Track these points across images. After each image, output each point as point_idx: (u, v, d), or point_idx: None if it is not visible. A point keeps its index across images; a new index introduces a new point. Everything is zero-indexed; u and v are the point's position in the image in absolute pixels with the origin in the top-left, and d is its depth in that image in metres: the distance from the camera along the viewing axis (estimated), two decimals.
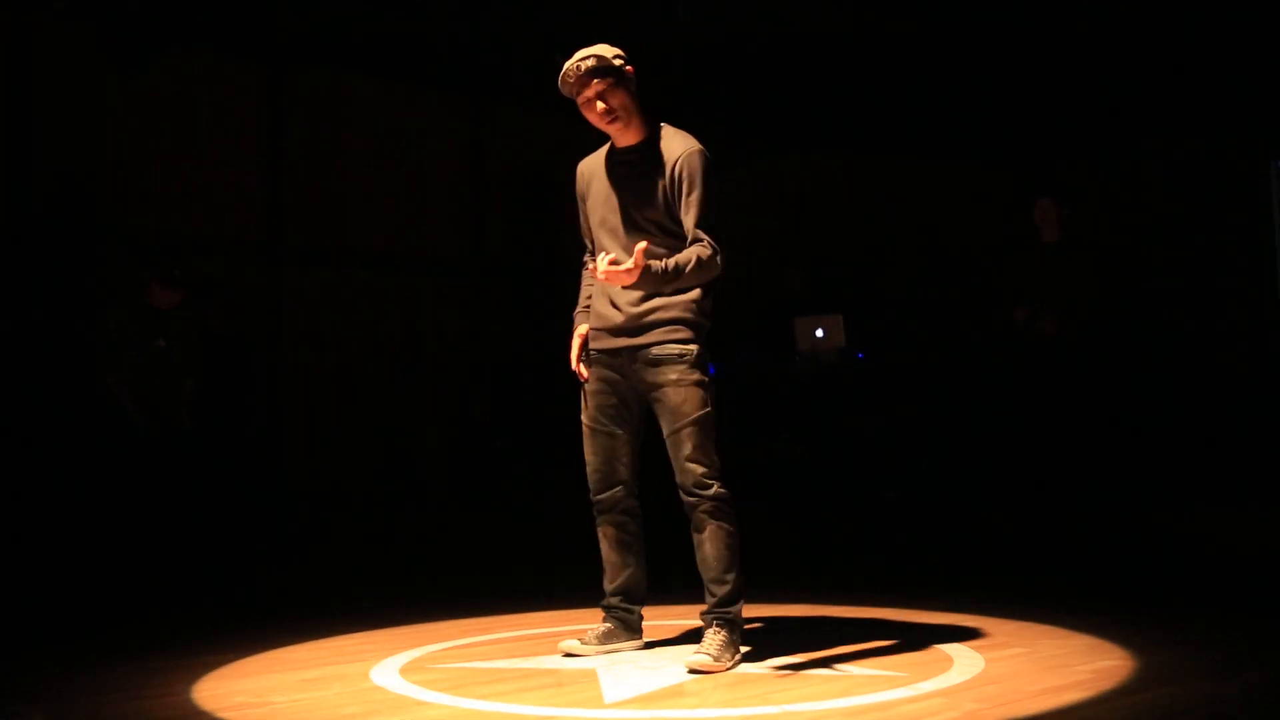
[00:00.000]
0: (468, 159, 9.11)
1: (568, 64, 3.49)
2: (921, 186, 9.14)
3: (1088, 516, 6.47)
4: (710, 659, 3.39)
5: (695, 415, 3.51)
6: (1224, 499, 7.00)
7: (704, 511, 3.52)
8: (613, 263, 3.28)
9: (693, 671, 3.36)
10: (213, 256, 7.79)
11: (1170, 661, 3.44)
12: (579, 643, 3.70)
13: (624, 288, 3.37)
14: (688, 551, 3.62)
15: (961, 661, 3.46)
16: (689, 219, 3.48)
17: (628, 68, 3.54)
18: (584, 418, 3.71)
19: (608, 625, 3.76)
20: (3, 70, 7.17)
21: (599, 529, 3.77)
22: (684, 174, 3.50)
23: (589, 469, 3.71)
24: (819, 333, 7.74)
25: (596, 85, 3.48)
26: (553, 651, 3.74)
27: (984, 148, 9.09)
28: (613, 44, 3.61)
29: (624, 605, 3.78)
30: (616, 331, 3.59)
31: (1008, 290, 6.65)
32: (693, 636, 3.91)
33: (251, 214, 8.14)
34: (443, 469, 8.38)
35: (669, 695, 3.13)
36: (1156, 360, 8.17)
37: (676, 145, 3.56)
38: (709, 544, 3.53)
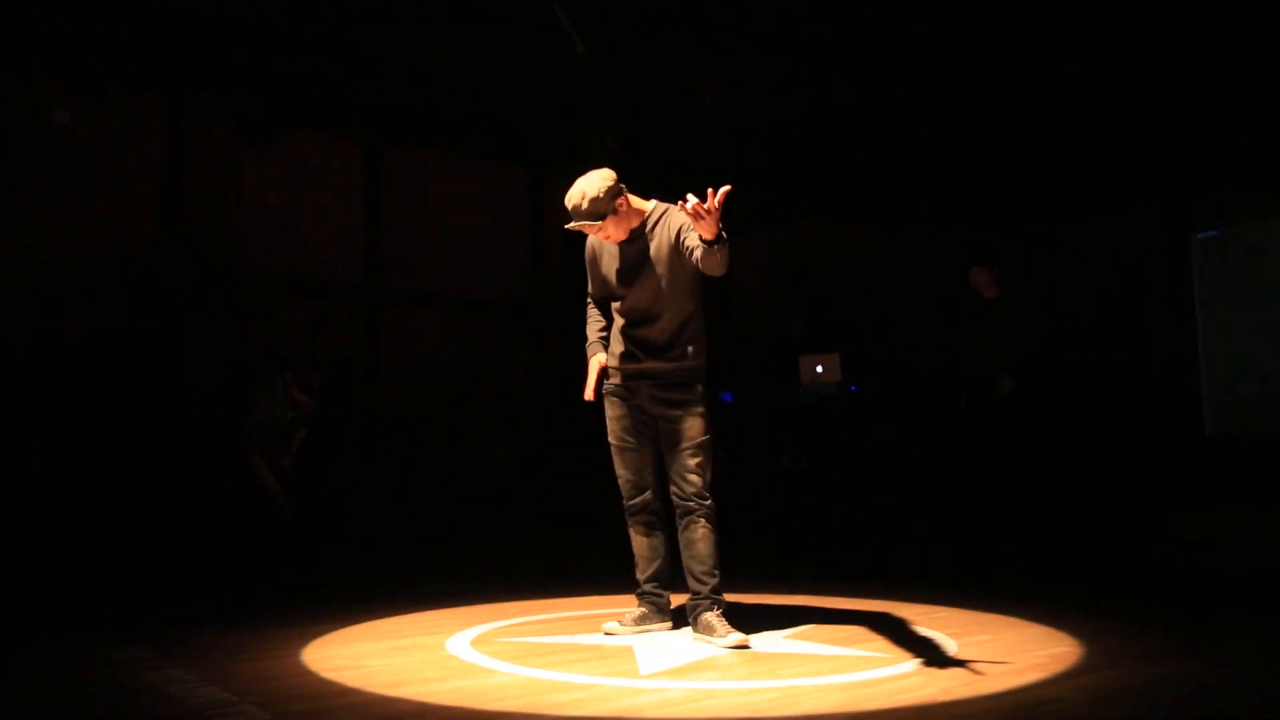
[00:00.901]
0: (530, 220, 9.18)
1: (568, 202, 3.48)
2: (900, 248, 9.14)
3: (1044, 526, 6.43)
4: (741, 635, 3.43)
5: (700, 439, 3.58)
6: (1156, 515, 6.92)
7: (700, 515, 3.57)
8: (701, 208, 3.17)
9: (736, 648, 3.37)
10: (321, 297, 7.88)
11: (1112, 648, 3.40)
12: (618, 624, 3.70)
13: (704, 240, 3.27)
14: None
15: (937, 646, 3.43)
16: (693, 238, 3.44)
17: (617, 200, 3.51)
18: (611, 439, 3.73)
19: (642, 609, 3.76)
20: (161, 145, 7.32)
21: (630, 529, 3.79)
22: (680, 218, 3.53)
23: (621, 480, 3.74)
24: (819, 369, 7.74)
25: (599, 224, 3.52)
26: (595, 630, 3.74)
27: (947, 216, 9.10)
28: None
29: (655, 591, 3.78)
30: (639, 373, 3.64)
31: (967, 339, 6.68)
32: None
33: (354, 262, 8.23)
34: (504, 477, 8.39)
35: (696, 668, 3.13)
36: (1095, 399, 8.11)
37: (666, 211, 3.61)
38: (702, 543, 3.56)
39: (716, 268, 3.36)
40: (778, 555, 6.34)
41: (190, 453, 6.89)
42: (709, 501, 3.57)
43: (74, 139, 6.84)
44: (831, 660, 3.23)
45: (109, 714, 2.65)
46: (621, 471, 3.73)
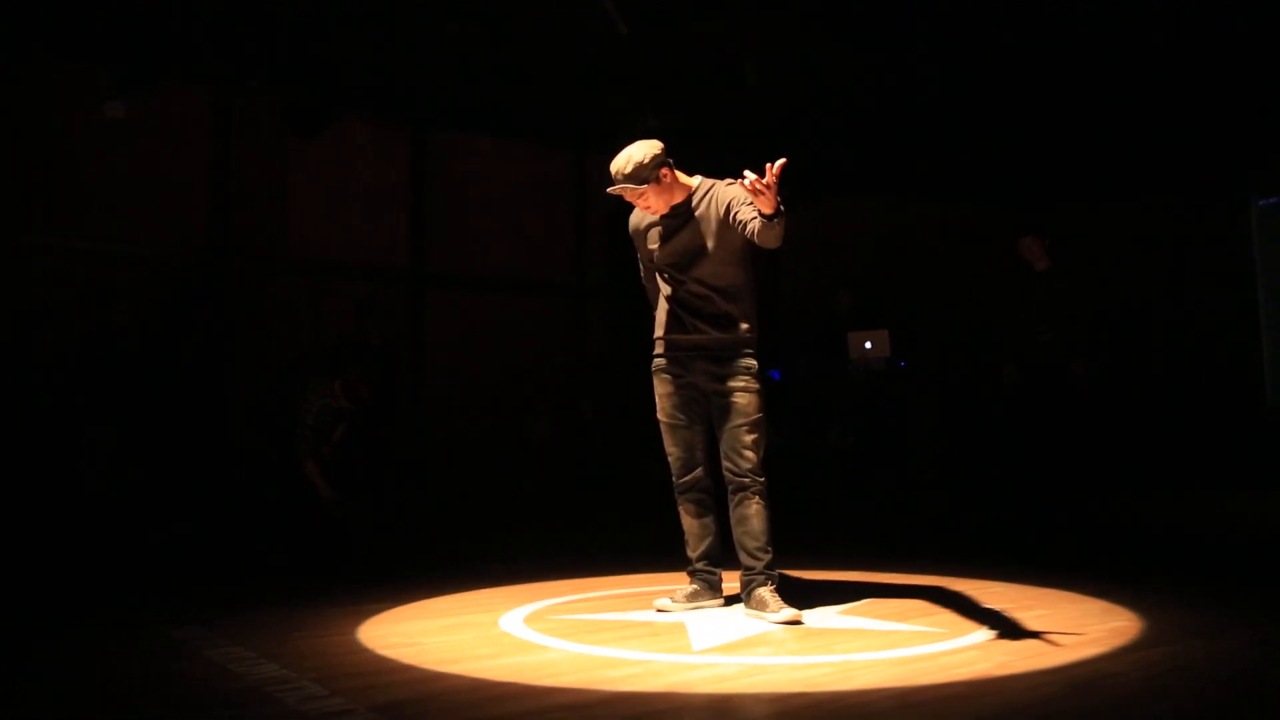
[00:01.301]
0: (574, 202, 9.17)
1: (611, 182, 3.53)
2: (947, 224, 9.01)
3: (1100, 504, 6.33)
4: (795, 611, 3.41)
5: (755, 416, 3.56)
6: (1215, 491, 6.78)
7: (754, 492, 3.55)
8: (757, 180, 3.16)
9: (788, 623, 3.35)
10: (368, 281, 7.94)
11: (1173, 622, 3.34)
12: (670, 600, 3.70)
13: (763, 215, 3.25)
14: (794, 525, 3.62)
15: (994, 621, 3.39)
16: (747, 211, 3.41)
17: (661, 169, 3.53)
18: (661, 416, 3.72)
19: (694, 586, 3.75)
20: (210, 135, 7.40)
21: (681, 507, 3.77)
22: (728, 193, 3.53)
23: (671, 459, 3.73)
24: (868, 345, 7.66)
25: (644, 190, 3.54)
26: (647, 607, 3.73)
27: (994, 192, 8.94)
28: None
29: (707, 569, 3.77)
30: (690, 345, 3.63)
31: (1019, 315, 6.57)
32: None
33: (400, 247, 8.28)
34: (554, 457, 8.42)
35: (749, 644, 3.11)
36: (1153, 374, 7.95)
37: (711, 185, 3.62)
38: (755, 519, 3.54)
39: (774, 240, 3.34)
40: (828, 532, 6.30)
41: (242, 441, 7.00)
42: (763, 478, 3.56)
43: (126, 131, 6.93)
44: (885, 635, 3.20)
45: (174, 690, 2.69)
46: (672, 449, 3.72)
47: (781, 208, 3.24)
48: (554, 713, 2.39)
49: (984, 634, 3.18)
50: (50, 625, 3.63)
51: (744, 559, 3.57)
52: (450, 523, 7.24)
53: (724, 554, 3.77)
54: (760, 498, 3.55)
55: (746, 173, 3.19)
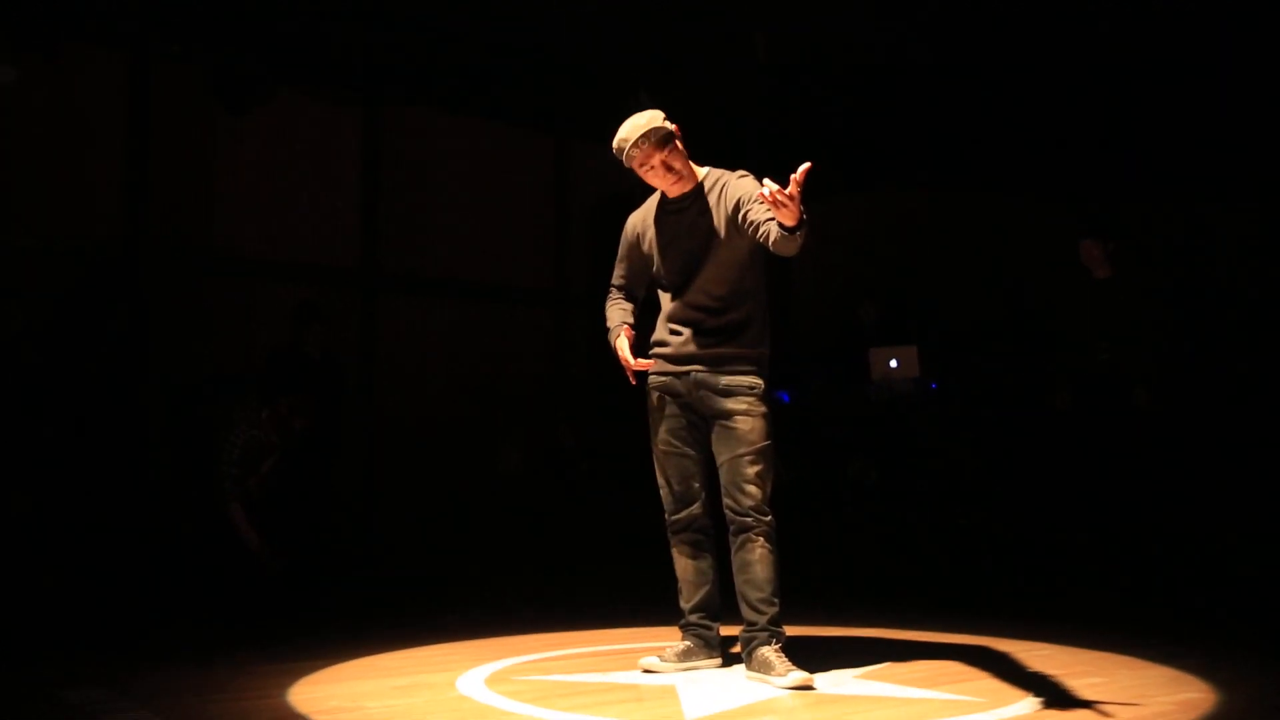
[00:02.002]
0: (552, 193, 9.17)
1: (625, 136, 3.57)
2: (991, 222, 9.02)
3: (1160, 547, 6.32)
4: (804, 674, 3.37)
5: (760, 444, 3.56)
6: None
7: (759, 533, 3.54)
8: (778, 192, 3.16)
9: (797, 689, 3.33)
10: (309, 283, 7.90)
11: (1253, 696, 3.32)
12: (659, 659, 3.68)
13: (784, 228, 3.25)
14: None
15: (1039, 689, 3.37)
16: (759, 213, 3.42)
17: (676, 140, 3.61)
18: (656, 443, 3.72)
19: (687, 643, 3.73)
20: (124, 109, 7.37)
21: (674, 549, 3.75)
22: (737, 189, 3.58)
23: (664, 491, 3.73)
24: (893, 363, 7.66)
25: (660, 154, 3.57)
26: (632, 667, 3.72)
27: (1049, 185, 8.95)
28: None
29: (702, 622, 3.75)
30: (688, 359, 3.63)
31: (1075, 330, 6.59)
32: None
33: (349, 244, 8.25)
34: (526, 492, 8.38)
35: (750, 714, 3.09)
36: (1229, 400, 7.94)
37: (721, 177, 3.67)
38: (760, 565, 3.54)
39: (792, 250, 3.36)
40: (846, 581, 6.27)
41: (159, 467, 6.94)
42: (769, 518, 3.55)
43: (21, 102, 6.89)
44: (912, 705, 3.18)
45: None
46: (664, 480, 3.73)
47: (805, 217, 3.24)
48: None
49: (1029, 705, 3.15)
50: None
51: (745, 612, 3.55)
52: (402, 568, 7.20)
53: (724, 606, 3.75)
54: (766, 541, 3.54)
55: (767, 182, 3.19)
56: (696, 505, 3.70)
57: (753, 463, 3.54)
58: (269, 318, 7.56)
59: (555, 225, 9.13)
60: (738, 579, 3.56)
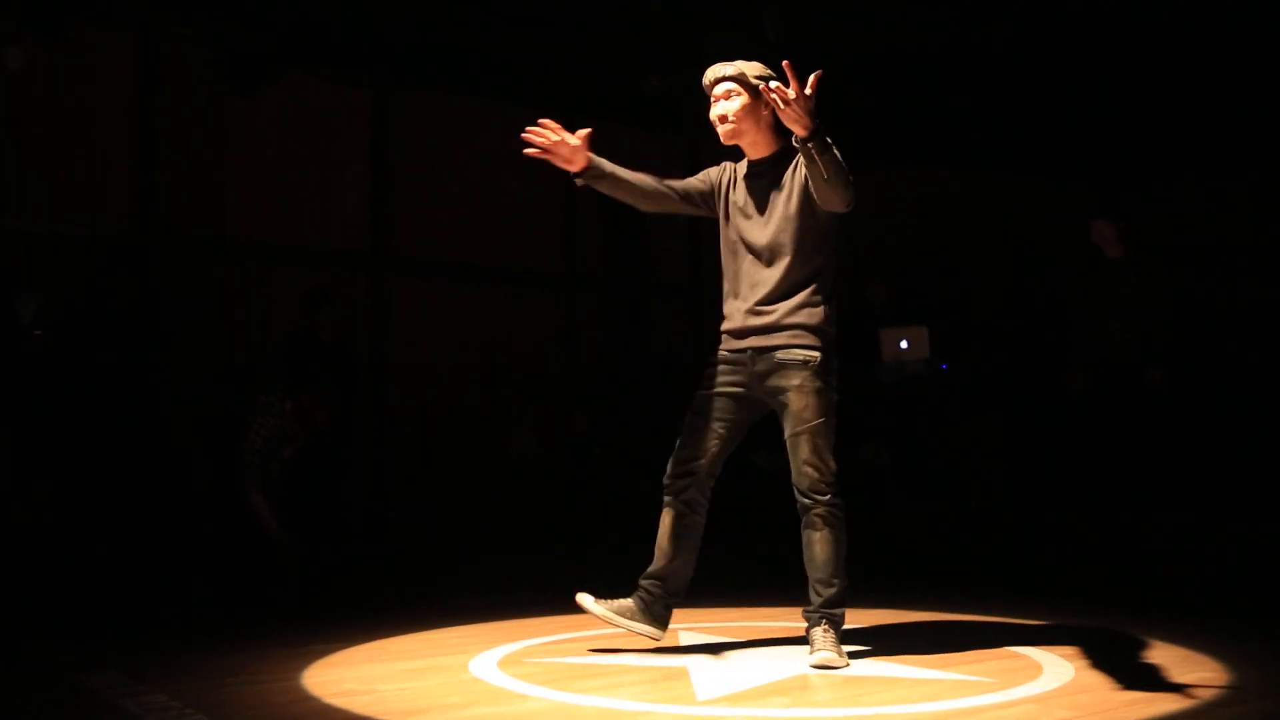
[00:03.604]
0: (563, 175, 9.11)
1: (713, 67, 3.61)
2: (1002, 202, 8.98)
3: (1179, 535, 6.32)
4: (834, 655, 3.39)
5: (814, 422, 3.51)
6: None
7: (817, 515, 3.51)
8: (790, 94, 3.19)
9: (819, 668, 3.36)
10: (321, 267, 7.91)
11: (1269, 676, 3.32)
12: (592, 599, 3.67)
13: (797, 140, 3.28)
14: (787, 556, 3.60)
15: (1051, 669, 3.38)
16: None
17: (763, 87, 3.39)
18: (691, 407, 3.67)
19: (629, 601, 3.69)
20: (134, 92, 7.36)
21: (663, 510, 3.69)
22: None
23: (677, 446, 3.67)
24: (903, 344, 7.65)
25: (729, 94, 3.59)
26: (642, 649, 3.72)
27: (1062, 164, 8.90)
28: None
29: (653, 589, 3.69)
30: (744, 333, 3.61)
31: (1088, 310, 6.58)
32: (779, 639, 3.88)
33: (359, 227, 8.25)
34: (538, 475, 8.39)
35: (763, 693, 3.09)
36: (1243, 381, 7.90)
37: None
38: (819, 546, 3.51)
39: (833, 194, 3.34)
40: (857, 563, 6.27)
41: (174, 454, 6.96)
42: (828, 497, 3.50)
43: (31, 85, 6.89)
44: (923, 685, 3.19)
45: None
46: (681, 439, 3.67)
47: (824, 135, 3.23)
48: None
49: (1041, 685, 3.15)
50: None
51: (809, 592, 3.56)
52: (415, 551, 7.22)
53: (740, 593, 3.76)
54: (826, 521, 3.49)
55: (772, 84, 3.21)
56: (692, 479, 3.62)
57: (808, 440, 3.49)
58: (280, 301, 7.58)
59: (566, 207, 9.11)
60: (805, 557, 3.56)
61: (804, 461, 3.50)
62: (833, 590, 3.51)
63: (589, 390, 8.71)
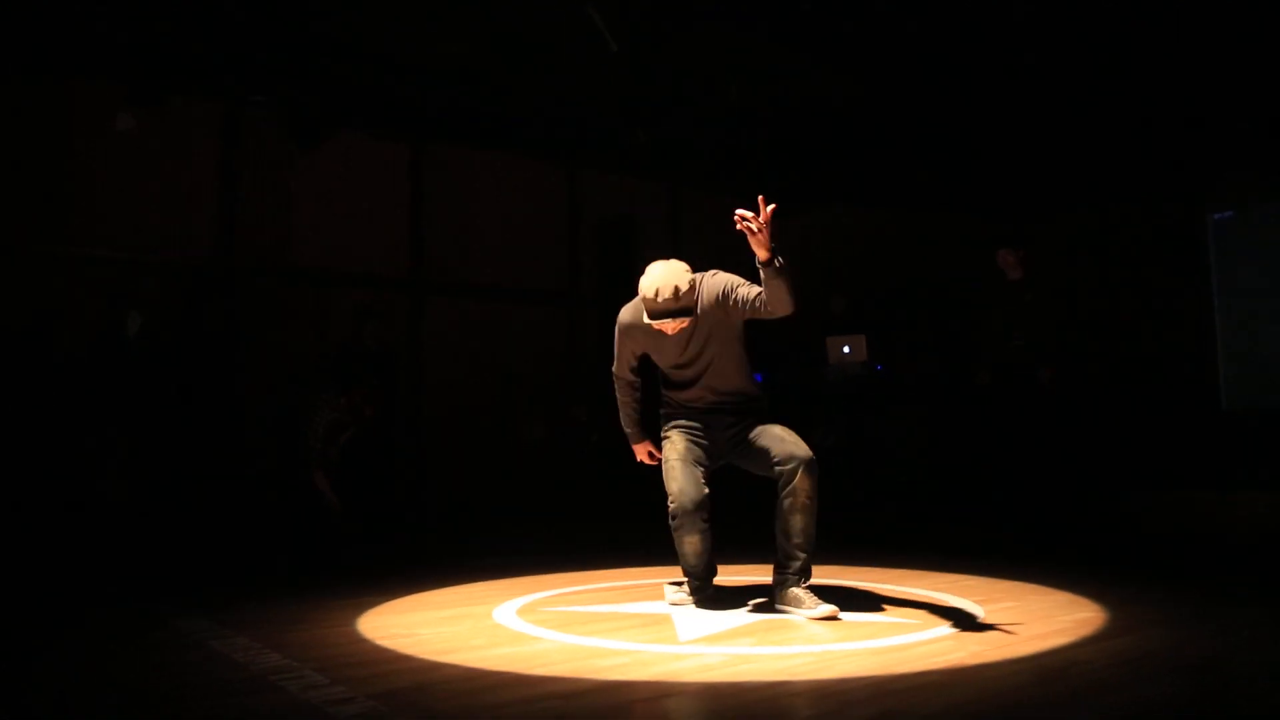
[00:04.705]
0: (567, 213, 9.15)
1: (658, 296, 3.29)
2: (926, 235, 9.02)
3: (1066, 502, 6.36)
4: (830, 607, 3.33)
5: (783, 426, 3.55)
6: (1175, 491, 6.82)
7: (808, 473, 3.38)
8: (751, 218, 3.07)
9: (825, 619, 3.28)
10: (367, 288, 7.91)
11: (1136, 614, 3.35)
12: (684, 594, 3.63)
13: (760, 263, 3.17)
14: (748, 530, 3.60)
15: (966, 612, 3.40)
16: (748, 289, 3.34)
17: (736, 215, 3.19)
18: (674, 455, 3.55)
19: (697, 582, 3.64)
20: (218, 147, 7.37)
21: (684, 536, 3.48)
22: (714, 287, 3.42)
23: (678, 491, 3.46)
24: (846, 349, 7.66)
25: (672, 324, 3.35)
26: (637, 599, 3.73)
27: (970, 202, 8.94)
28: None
29: (706, 574, 3.63)
30: (711, 407, 3.59)
31: (994, 321, 6.61)
32: (741, 590, 3.89)
33: (400, 255, 8.25)
34: (548, 457, 8.39)
35: (733, 635, 3.11)
36: (1115, 379, 7.97)
37: (703, 284, 3.43)
38: (797, 515, 3.40)
39: (783, 301, 3.21)
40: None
41: (250, 444, 6.95)
42: (811, 456, 3.41)
43: (137, 143, 6.89)
44: (864, 627, 3.21)
45: (180, 679, 2.67)
46: (679, 483, 3.47)
47: (779, 258, 3.13)
48: (546, 701, 2.39)
49: (957, 625, 3.18)
50: (62, 619, 3.60)
51: (780, 555, 3.46)
52: (447, 519, 7.22)
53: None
54: (814, 487, 3.39)
55: (740, 212, 3.10)
56: (702, 507, 3.47)
57: (782, 430, 3.49)
58: (335, 317, 7.58)
59: (568, 239, 9.12)
60: (777, 526, 3.45)
61: (784, 436, 3.47)
62: (807, 555, 3.44)
63: (587, 389, 8.72)
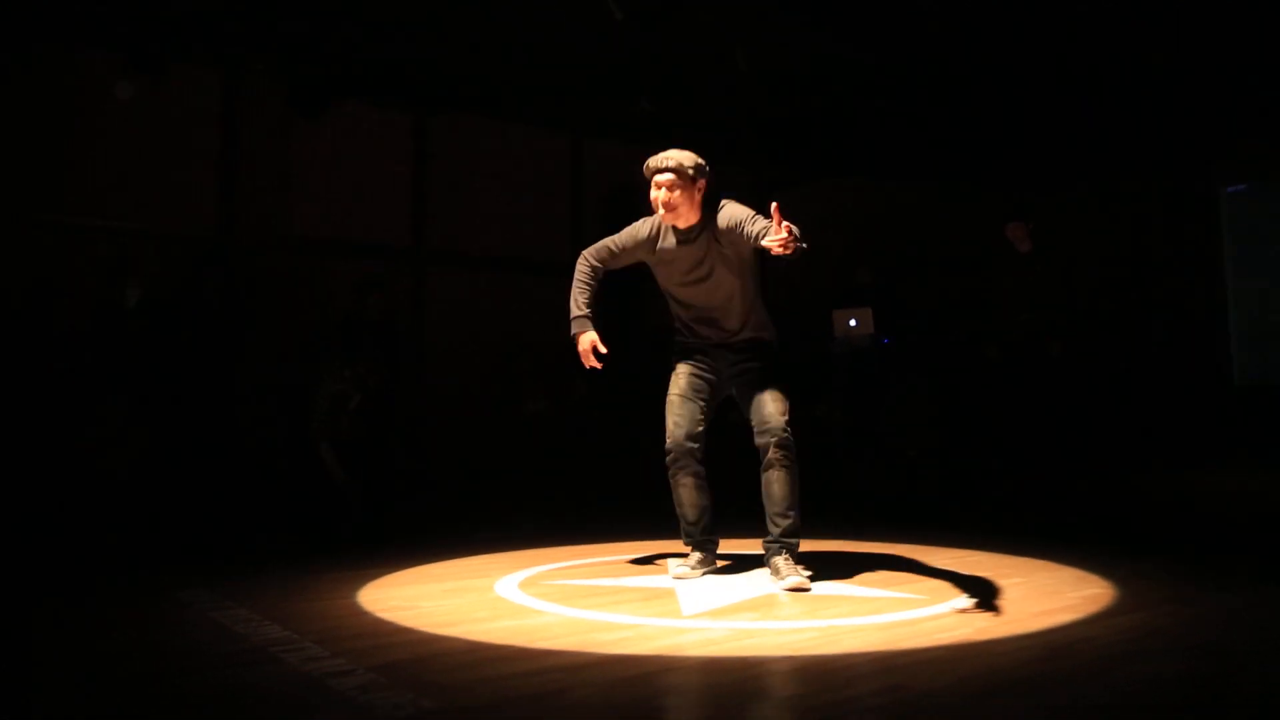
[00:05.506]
0: (570, 184, 9.09)
1: (667, 157, 3.52)
2: (935, 207, 8.96)
3: (1075, 478, 6.34)
4: (802, 579, 3.37)
5: (778, 386, 3.56)
6: (1186, 466, 6.79)
7: (780, 446, 3.45)
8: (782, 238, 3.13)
9: (793, 590, 3.33)
10: (370, 259, 7.87)
11: (1145, 590, 3.33)
12: (688, 569, 3.64)
13: (787, 255, 3.19)
14: (744, 495, 3.58)
15: (973, 588, 3.38)
16: (752, 224, 3.40)
17: (700, 181, 3.52)
18: (674, 390, 3.66)
19: (699, 554, 3.71)
20: (219, 116, 7.31)
21: (678, 480, 3.64)
22: (727, 217, 3.49)
23: (672, 426, 3.62)
24: (852, 322, 7.62)
25: (673, 181, 3.50)
26: (639, 573, 3.72)
27: (982, 174, 8.87)
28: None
29: (706, 536, 3.72)
30: (719, 343, 3.65)
31: (1007, 295, 6.58)
32: (745, 563, 3.88)
33: (402, 226, 8.20)
34: (549, 430, 8.38)
35: (737, 610, 3.09)
36: (1126, 354, 7.93)
37: (718, 214, 3.53)
38: (778, 484, 3.48)
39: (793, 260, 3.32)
40: (815, 503, 6.28)
41: (254, 416, 6.94)
42: (788, 434, 3.48)
43: (137, 113, 6.84)
44: (870, 601, 3.19)
45: (182, 649, 2.66)
46: (675, 418, 3.61)
47: (803, 246, 3.20)
48: (549, 674, 2.37)
49: (964, 600, 3.16)
50: (64, 588, 3.60)
51: (767, 524, 3.53)
52: (448, 492, 7.22)
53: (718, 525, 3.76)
54: (783, 461, 3.46)
55: (771, 227, 3.15)
56: (695, 445, 3.61)
57: (773, 396, 3.52)
58: (338, 288, 7.55)
59: (571, 210, 9.07)
60: (763, 496, 3.51)
61: (771, 404, 3.51)
62: (789, 521, 3.49)
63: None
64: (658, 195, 3.53)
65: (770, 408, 3.50)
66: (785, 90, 7.72)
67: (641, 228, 3.69)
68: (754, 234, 3.35)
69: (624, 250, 3.72)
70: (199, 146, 7.25)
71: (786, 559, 3.47)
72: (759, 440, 3.51)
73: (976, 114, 7.84)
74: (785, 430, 3.48)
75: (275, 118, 7.47)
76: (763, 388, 3.54)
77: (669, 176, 3.50)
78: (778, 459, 3.47)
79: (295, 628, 2.86)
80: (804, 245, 3.18)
